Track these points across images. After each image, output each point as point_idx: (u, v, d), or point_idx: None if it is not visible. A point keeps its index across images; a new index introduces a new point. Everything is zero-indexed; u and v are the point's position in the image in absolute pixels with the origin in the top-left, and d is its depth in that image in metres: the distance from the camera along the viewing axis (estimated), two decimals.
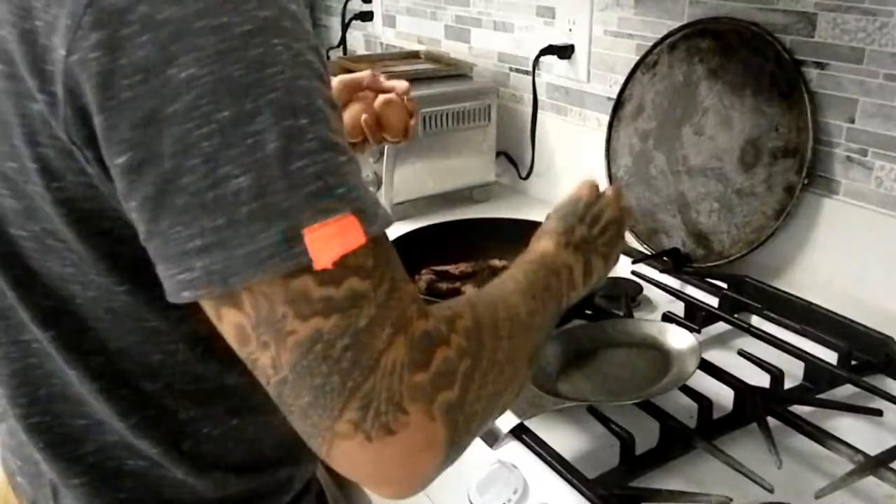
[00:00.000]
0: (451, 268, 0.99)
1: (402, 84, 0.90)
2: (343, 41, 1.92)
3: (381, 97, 0.89)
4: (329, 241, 0.41)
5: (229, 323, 0.43)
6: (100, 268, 0.49)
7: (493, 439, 0.72)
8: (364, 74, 0.91)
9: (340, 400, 0.42)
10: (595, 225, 0.70)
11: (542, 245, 0.66)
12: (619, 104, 1.21)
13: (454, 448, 0.46)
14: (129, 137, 0.40)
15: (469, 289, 0.94)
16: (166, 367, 0.54)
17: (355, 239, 0.42)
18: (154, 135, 0.40)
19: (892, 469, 0.68)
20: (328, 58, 2.00)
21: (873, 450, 0.70)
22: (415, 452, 0.44)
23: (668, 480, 0.71)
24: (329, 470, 0.81)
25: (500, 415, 0.53)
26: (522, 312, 0.56)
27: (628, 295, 1.01)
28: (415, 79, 1.37)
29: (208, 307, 0.43)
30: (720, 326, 0.96)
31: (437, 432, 0.44)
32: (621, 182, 0.77)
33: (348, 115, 0.89)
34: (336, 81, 0.89)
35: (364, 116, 0.87)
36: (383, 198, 1.33)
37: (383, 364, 0.42)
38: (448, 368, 0.45)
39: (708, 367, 0.81)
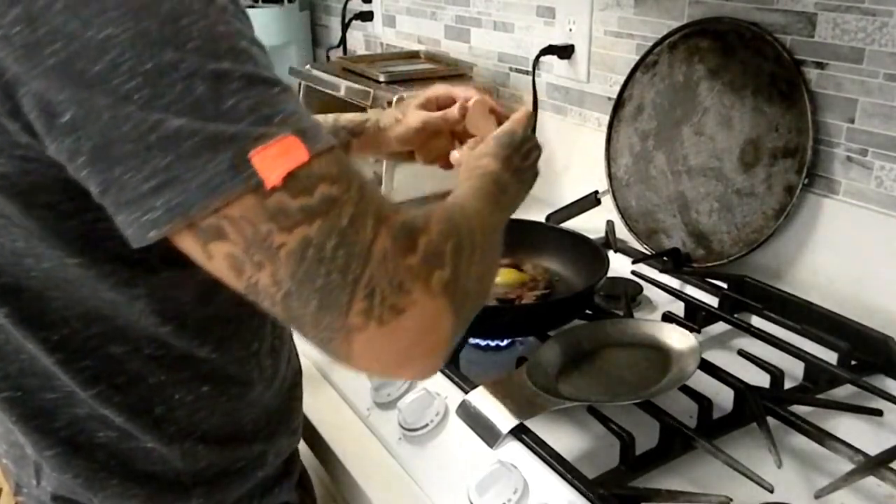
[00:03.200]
0: None
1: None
2: (343, 41, 1.92)
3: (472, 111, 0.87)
4: (275, 160, 0.43)
5: (220, 256, 0.44)
6: (49, 242, 0.51)
7: (493, 439, 0.72)
8: (438, 118, 0.88)
9: (346, 293, 0.44)
10: (527, 158, 0.75)
11: (488, 163, 0.71)
12: (619, 104, 1.21)
13: (459, 322, 0.50)
14: (63, 99, 0.42)
15: None
16: (132, 330, 0.56)
17: (299, 156, 0.44)
18: (86, 93, 0.41)
19: (892, 469, 0.68)
20: (328, 58, 2.00)
21: (873, 450, 0.70)
22: (427, 326, 0.47)
23: (668, 480, 0.71)
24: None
25: (485, 299, 0.57)
26: (485, 211, 0.61)
27: (628, 295, 1.01)
28: (415, 79, 1.37)
29: (195, 250, 0.45)
30: (720, 326, 0.96)
31: (442, 306, 0.48)
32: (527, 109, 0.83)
33: (428, 153, 0.89)
34: (419, 124, 0.88)
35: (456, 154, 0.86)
36: None
37: (375, 253, 0.45)
38: (435, 250, 0.49)
39: (708, 367, 0.81)
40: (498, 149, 0.73)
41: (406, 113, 0.88)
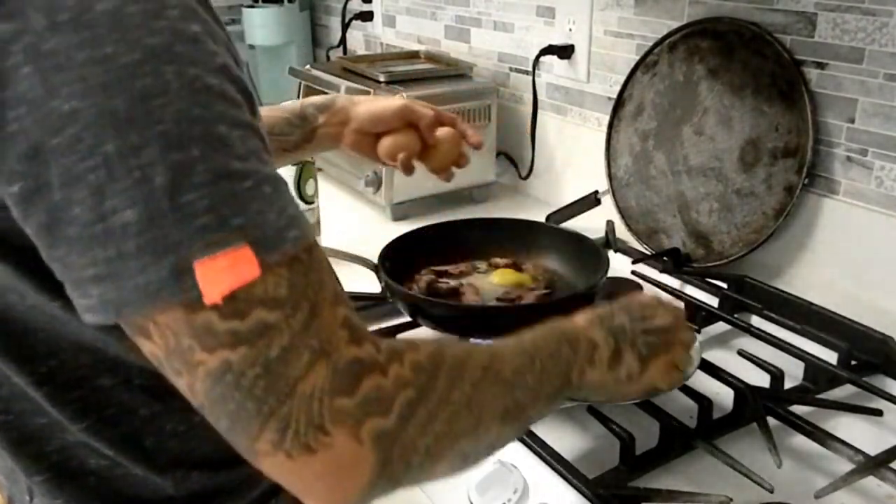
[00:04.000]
0: (450, 268, 0.99)
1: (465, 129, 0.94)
2: (343, 41, 1.92)
3: (443, 131, 0.92)
4: (219, 274, 0.40)
5: (145, 350, 0.43)
6: (27, 285, 0.49)
7: None
8: (427, 114, 0.92)
9: (257, 423, 0.42)
10: (642, 321, 0.64)
11: (573, 319, 0.62)
12: (619, 104, 1.21)
13: (386, 476, 0.45)
14: (19, 169, 0.40)
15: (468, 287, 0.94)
16: (122, 361, 0.54)
17: (248, 272, 0.41)
18: (41, 167, 0.39)
19: (892, 469, 0.68)
20: (328, 58, 2.00)
21: (873, 450, 0.70)
22: (337, 471, 0.43)
23: (668, 480, 0.71)
24: None
25: (461, 464, 0.52)
26: (507, 368, 0.53)
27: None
28: (415, 79, 1.37)
29: (127, 332, 0.43)
30: (720, 326, 0.96)
31: (364, 456, 0.43)
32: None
33: (392, 142, 0.91)
34: (400, 105, 0.91)
35: (401, 156, 0.90)
36: (383, 198, 1.33)
37: (300, 391, 0.42)
38: (380, 395, 0.44)
39: (708, 367, 0.81)
40: (602, 307, 0.64)
41: (383, 97, 0.89)
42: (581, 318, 0.63)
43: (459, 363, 0.50)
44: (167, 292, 0.40)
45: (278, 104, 0.95)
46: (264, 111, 0.89)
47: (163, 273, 0.40)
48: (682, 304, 0.71)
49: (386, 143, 0.92)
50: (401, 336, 0.90)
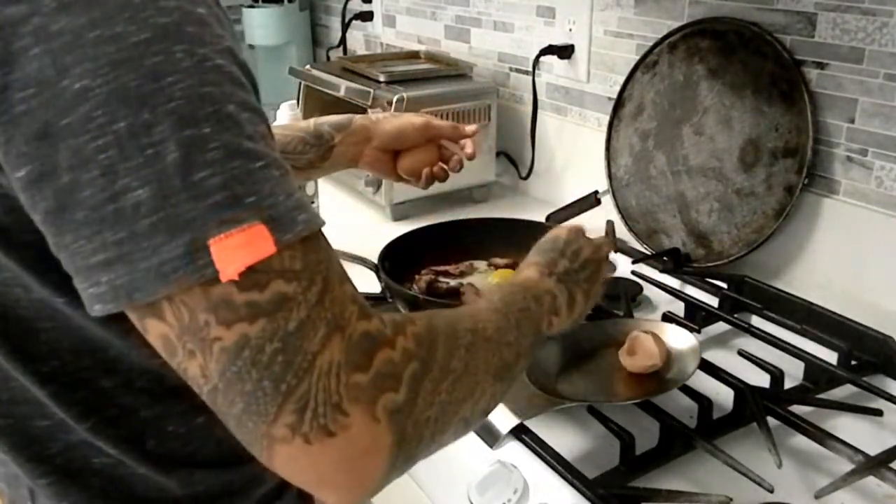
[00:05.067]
0: (451, 268, 0.99)
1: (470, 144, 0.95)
2: (343, 41, 1.92)
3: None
4: (235, 251, 0.40)
5: (154, 334, 0.42)
6: (32, 278, 0.48)
7: (493, 439, 0.72)
8: (446, 127, 0.93)
9: (274, 404, 0.41)
10: (576, 259, 0.69)
11: (524, 274, 0.66)
12: (619, 104, 1.21)
13: (403, 454, 0.44)
14: (26, 151, 0.39)
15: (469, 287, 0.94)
16: (123, 362, 0.54)
17: (264, 249, 0.40)
18: (50, 148, 0.39)
19: (892, 469, 0.68)
20: (328, 58, 2.00)
21: (873, 450, 0.70)
22: (358, 455, 0.42)
23: (668, 480, 0.71)
24: None
25: (463, 429, 0.52)
26: (490, 328, 0.54)
27: (628, 295, 1.01)
28: (415, 79, 1.37)
29: (133, 318, 0.42)
30: (720, 326, 0.96)
31: (382, 435, 0.43)
32: (612, 226, 0.79)
33: (413, 158, 0.93)
34: (423, 121, 0.93)
35: (426, 171, 0.93)
36: (383, 198, 1.33)
37: (318, 365, 0.41)
38: (391, 370, 0.44)
39: (708, 367, 0.81)
40: (537, 256, 0.68)
41: (402, 115, 0.89)
42: (531, 272, 0.66)
43: (452, 330, 0.51)
44: (182, 272, 0.39)
45: (290, 123, 0.97)
46: (276, 129, 0.90)
47: (177, 252, 0.39)
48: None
49: (407, 160, 0.94)
50: None
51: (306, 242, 0.43)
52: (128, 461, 0.56)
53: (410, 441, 0.45)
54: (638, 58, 1.18)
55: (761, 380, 0.80)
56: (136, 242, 0.39)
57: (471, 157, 0.95)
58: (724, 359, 0.86)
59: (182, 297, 0.40)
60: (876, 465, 0.68)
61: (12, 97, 0.39)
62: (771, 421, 0.74)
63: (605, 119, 1.23)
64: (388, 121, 0.95)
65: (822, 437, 0.72)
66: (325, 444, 0.41)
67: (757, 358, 0.83)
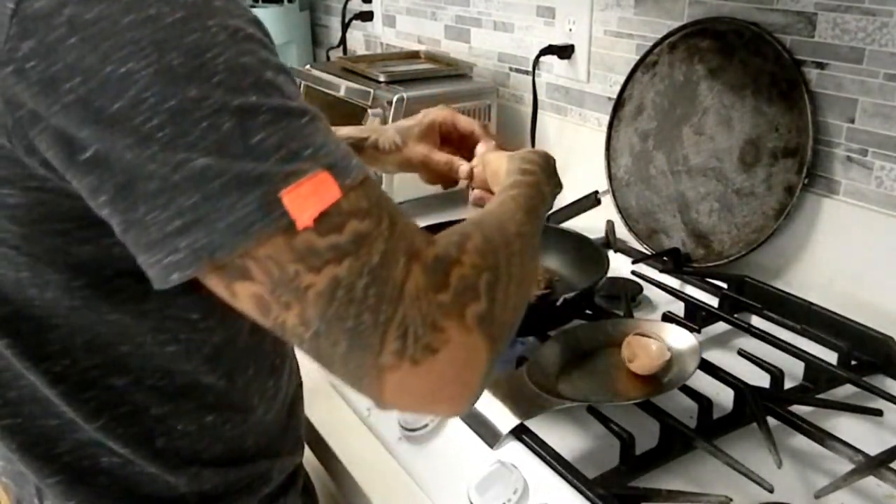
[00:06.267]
0: None
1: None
2: (343, 41, 1.92)
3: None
4: (306, 200, 0.42)
5: (245, 296, 0.43)
6: (57, 266, 0.49)
7: (493, 439, 0.72)
8: (469, 125, 0.88)
9: (377, 335, 0.43)
10: (525, 156, 0.74)
11: (534, 171, 0.70)
12: (619, 104, 1.21)
13: (495, 354, 0.48)
14: (85, 136, 0.40)
15: None
16: (135, 359, 0.54)
17: (331, 194, 0.42)
18: (107, 131, 0.40)
19: (892, 469, 0.68)
20: (328, 58, 2.00)
21: (873, 450, 0.70)
22: (462, 364, 0.45)
23: (668, 480, 0.71)
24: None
25: (519, 324, 0.55)
26: (525, 230, 0.58)
27: (628, 295, 1.01)
28: (415, 79, 1.37)
29: (219, 288, 0.43)
30: (720, 326, 0.96)
31: (477, 341, 0.46)
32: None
33: (440, 160, 0.86)
34: (448, 113, 0.88)
35: (470, 166, 0.85)
36: None
37: (407, 291, 0.43)
38: (468, 284, 0.47)
39: (708, 367, 0.81)
40: (543, 161, 0.72)
41: (407, 142, 0.86)
42: (515, 174, 0.69)
43: (504, 239, 0.53)
44: (260, 224, 0.41)
45: None
46: None
47: (252, 207, 0.41)
48: None
49: (423, 179, 0.90)
50: None
51: (364, 184, 0.45)
52: (137, 460, 0.57)
53: (498, 342, 0.48)
54: (638, 58, 1.18)
55: (761, 380, 0.80)
56: (211, 204, 0.40)
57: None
58: (724, 359, 0.86)
59: (268, 254, 0.41)
60: (876, 465, 0.68)
61: (60, 88, 0.40)
62: (771, 421, 0.74)
63: (605, 119, 1.23)
64: (393, 155, 0.88)
65: (822, 437, 0.72)
66: (432, 361, 0.44)
67: (757, 358, 0.83)
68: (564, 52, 1.32)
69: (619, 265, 1.09)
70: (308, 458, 0.81)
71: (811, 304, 0.95)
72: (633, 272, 1.08)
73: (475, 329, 0.46)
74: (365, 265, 0.43)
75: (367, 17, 1.87)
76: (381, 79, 1.34)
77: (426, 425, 0.76)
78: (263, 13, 1.99)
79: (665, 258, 1.10)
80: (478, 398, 0.48)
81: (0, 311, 0.52)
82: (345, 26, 1.89)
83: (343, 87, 1.33)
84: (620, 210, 1.21)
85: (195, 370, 0.57)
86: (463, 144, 0.87)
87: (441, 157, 0.85)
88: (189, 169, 0.40)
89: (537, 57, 1.34)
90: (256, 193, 0.41)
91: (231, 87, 0.41)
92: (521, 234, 0.56)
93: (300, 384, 0.72)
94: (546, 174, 0.71)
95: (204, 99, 0.40)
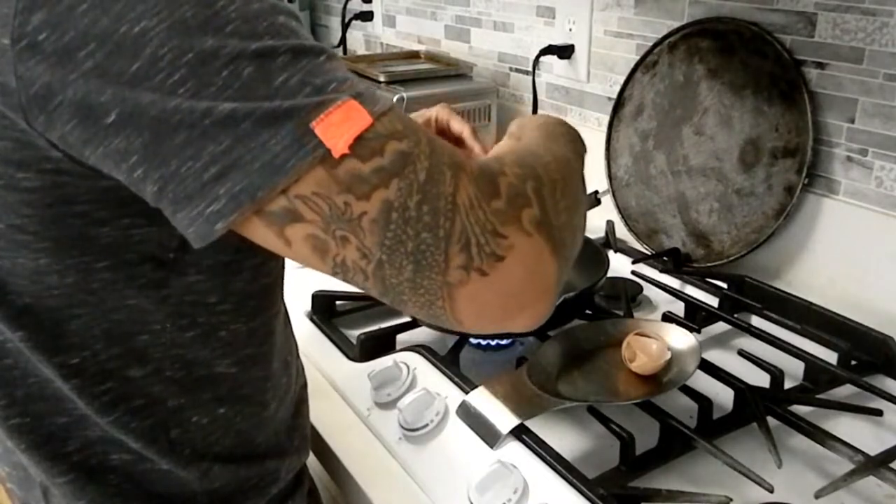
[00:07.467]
0: None
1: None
2: (343, 41, 1.92)
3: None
4: (339, 127, 0.41)
5: (299, 239, 0.43)
6: (78, 250, 0.49)
7: (493, 439, 0.72)
8: (460, 128, 0.88)
9: (440, 251, 0.42)
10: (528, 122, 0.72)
11: (547, 116, 0.68)
12: (619, 104, 1.21)
13: (562, 257, 0.47)
14: (106, 100, 0.40)
15: None
16: (154, 349, 0.54)
17: (363, 119, 0.42)
18: (130, 92, 0.40)
19: (892, 469, 0.68)
20: None
21: (873, 450, 0.70)
22: (530, 270, 0.45)
23: (668, 480, 0.71)
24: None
25: (581, 235, 0.55)
26: (555, 146, 0.57)
27: (628, 295, 1.01)
28: (415, 79, 1.37)
29: (270, 238, 0.43)
30: (720, 326, 0.96)
31: (540, 244, 0.45)
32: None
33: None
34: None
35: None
36: None
37: (460, 203, 0.43)
38: (517, 190, 0.46)
39: (708, 367, 0.81)
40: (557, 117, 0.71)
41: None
42: (529, 122, 0.67)
43: (532, 155, 0.53)
44: (295, 159, 0.40)
45: None
46: None
47: (285, 142, 0.40)
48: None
49: None
50: (401, 334, 0.90)
51: (393, 110, 0.44)
52: (149, 455, 0.57)
53: (560, 245, 0.47)
54: (638, 58, 1.18)
55: (761, 380, 0.80)
56: (243, 145, 0.40)
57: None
58: (724, 359, 0.86)
59: (314, 190, 0.41)
60: (876, 465, 0.68)
61: (76, 56, 0.40)
62: (771, 421, 0.74)
63: (605, 119, 1.23)
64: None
65: (822, 437, 0.72)
66: (500, 269, 0.43)
67: (757, 358, 0.83)
68: (564, 52, 1.32)
69: (619, 265, 1.09)
70: (309, 458, 0.81)
71: (811, 304, 0.95)
72: (633, 272, 1.08)
73: (535, 232, 0.45)
74: (413, 183, 0.42)
75: (367, 17, 1.87)
76: (382, 79, 1.34)
77: (426, 425, 0.76)
78: None
79: (665, 258, 1.10)
80: (552, 307, 0.47)
81: (16, 303, 0.51)
82: (345, 26, 1.89)
83: None
84: (620, 210, 1.21)
85: (212, 357, 0.57)
86: (455, 145, 0.88)
87: None
88: (216, 115, 0.40)
89: (537, 57, 1.34)
90: (288, 128, 0.40)
91: (246, 33, 0.41)
92: (548, 148, 0.56)
93: (305, 385, 0.73)
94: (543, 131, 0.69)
95: (221, 48, 0.40)
